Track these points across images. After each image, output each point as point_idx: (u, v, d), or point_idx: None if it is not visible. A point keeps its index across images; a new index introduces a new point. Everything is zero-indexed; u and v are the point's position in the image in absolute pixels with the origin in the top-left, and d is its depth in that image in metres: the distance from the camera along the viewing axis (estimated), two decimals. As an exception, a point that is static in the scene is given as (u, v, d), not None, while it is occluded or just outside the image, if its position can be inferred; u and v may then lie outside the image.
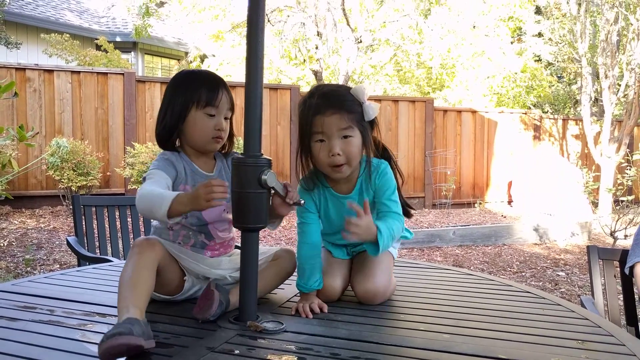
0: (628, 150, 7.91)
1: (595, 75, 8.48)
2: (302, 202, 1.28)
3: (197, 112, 1.33)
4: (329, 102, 1.31)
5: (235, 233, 1.42)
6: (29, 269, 3.92)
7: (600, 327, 1.20)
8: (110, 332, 0.97)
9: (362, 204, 1.34)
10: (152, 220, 1.41)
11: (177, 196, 1.14)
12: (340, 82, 9.69)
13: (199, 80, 1.36)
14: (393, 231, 1.32)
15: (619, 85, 7.85)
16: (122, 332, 0.98)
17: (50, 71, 6.09)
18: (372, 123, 1.37)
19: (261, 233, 1.24)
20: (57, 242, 4.62)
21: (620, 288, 1.80)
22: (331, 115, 1.29)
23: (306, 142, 1.33)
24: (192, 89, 1.33)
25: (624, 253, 1.76)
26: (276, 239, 5.34)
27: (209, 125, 1.33)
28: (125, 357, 0.98)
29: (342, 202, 1.39)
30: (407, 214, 1.47)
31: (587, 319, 1.25)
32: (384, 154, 1.46)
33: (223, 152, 1.44)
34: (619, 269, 1.79)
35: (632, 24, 7.38)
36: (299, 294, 1.38)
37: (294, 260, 1.42)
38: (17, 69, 5.92)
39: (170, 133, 1.35)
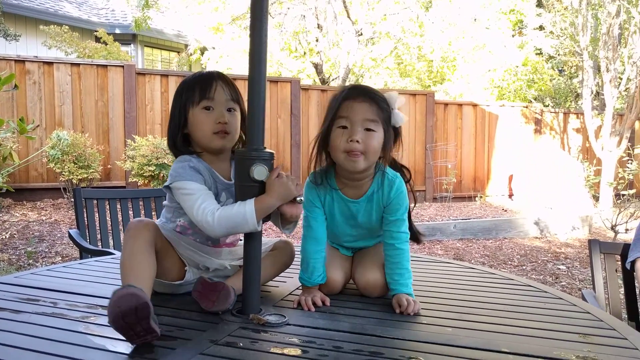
0: (629, 144, 7.90)
1: (597, 69, 8.45)
2: (300, 198, 1.22)
3: (194, 110, 1.30)
4: (362, 92, 1.29)
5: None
6: (30, 261, 3.93)
7: (602, 320, 1.20)
8: (118, 289, 1.01)
9: (369, 212, 1.36)
10: (160, 220, 1.40)
11: (257, 206, 1.17)
12: (341, 75, 9.66)
13: (193, 80, 1.33)
14: (409, 271, 1.33)
15: (621, 79, 7.83)
16: (132, 285, 1.02)
17: (49, 63, 6.07)
18: (397, 134, 1.34)
19: (262, 226, 1.24)
20: (58, 235, 4.62)
21: (621, 282, 1.81)
22: (361, 102, 1.27)
23: (327, 127, 1.29)
24: (187, 90, 1.31)
25: (626, 247, 1.76)
26: (277, 232, 5.34)
27: (209, 120, 1.29)
28: (132, 315, 0.98)
29: (348, 206, 1.37)
30: (417, 240, 1.47)
31: (589, 313, 1.26)
32: (401, 172, 1.40)
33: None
34: (620, 263, 1.80)
35: (634, 17, 7.35)
36: (301, 287, 1.38)
37: (292, 251, 1.43)
38: (16, 61, 5.90)
39: (182, 132, 1.33)
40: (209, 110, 1.29)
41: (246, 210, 1.16)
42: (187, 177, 1.25)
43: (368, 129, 1.26)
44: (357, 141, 1.24)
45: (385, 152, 1.31)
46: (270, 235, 5.21)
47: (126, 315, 0.98)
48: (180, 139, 1.33)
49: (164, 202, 1.39)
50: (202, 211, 1.20)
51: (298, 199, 1.21)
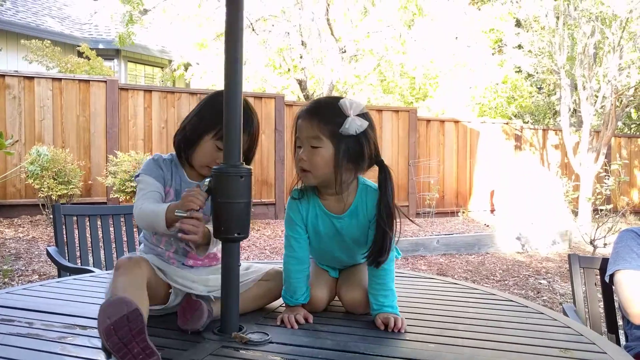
0: (606, 160, 8.09)
1: (574, 87, 8.68)
2: (178, 213, 1.17)
3: (210, 140, 1.35)
4: (308, 108, 1.31)
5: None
6: (6, 280, 3.82)
7: (582, 335, 1.21)
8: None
9: (354, 227, 1.33)
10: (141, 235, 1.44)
11: (167, 207, 1.21)
12: (325, 92, 9.75)
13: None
14: (394, 293, 1.32)
15: (597, 97, 8.04)
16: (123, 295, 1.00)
17: (30, 78, 6.00)
18: (360, 142, 1.27)
19: (244, 242, 1.23)
20: (36, 252, 4.52)
21: (600, 296, 1.83)
22: (304, 120, 1.29)
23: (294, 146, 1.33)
24: (218, 117, 1.24)
25: (604, 261, 1.78)
26: (260, 248, 5.30)
27: (213, 156, 1.34)
28: (125, 327, 0.95)
29: (332, 222, 1.35)
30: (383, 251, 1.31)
31: (569, 327, 1.27)
32: (381, 174, 1.31)
33: None
34: (599, 277, 1.82)
35: (607, 38, 7.59)
36: (284, 304, 1.37)
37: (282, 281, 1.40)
38: (-4, 75, 5.82)
39: (187, 145, 1.37)
40: (218, 149, 1.34)
41: (159, 210, 1.21)
42: (146, 172, 1.34)
43: (313, 146, 1.27)
44: (303, 159, 1.28)
45: (336, 165, 1.25)
46: (253, 252, 5.17)
47: (118, 328, 0.93)
48: (183, 141, 1.38)
49: None
50: (136, 204, 1.28)
51: (176, 212, 1.17)
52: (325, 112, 1.28)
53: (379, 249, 1.27)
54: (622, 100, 8.07)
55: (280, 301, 1.40)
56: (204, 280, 1.33)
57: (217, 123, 1.30)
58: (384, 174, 1.31)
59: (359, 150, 1.28)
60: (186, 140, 1.37)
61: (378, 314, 1.28)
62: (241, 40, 1.20)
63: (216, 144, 1.34)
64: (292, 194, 1.37)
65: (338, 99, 1.30)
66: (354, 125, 1.25)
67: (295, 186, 1.37)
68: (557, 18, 8.05)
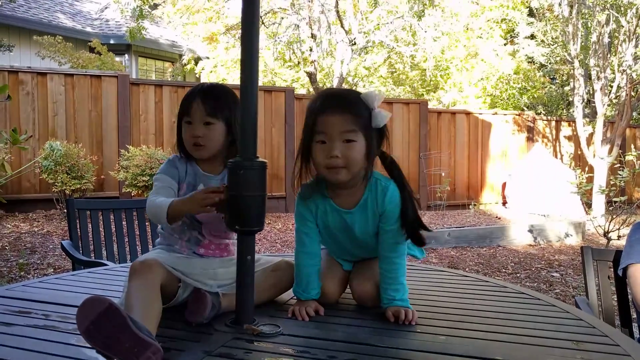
0: (620, 151, 7.97)
1: (588, 77, 8.55)
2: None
3: (183, 122, 1.43)
4: (336, 102, 1.26)
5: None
6: (22, 273, 3.89)
7: (595, 327, 1.20)
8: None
9: (365, 222, 1.32)
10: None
11: (170, 203, 1.25)
12: (335, 84, 9.72)
13: (185, 94, 1.46)
14: (405, 287, 1.31)
15: (611, 87, 7.92)
16: (94, 295, 0.98)
17: (43, 74, 6.06)
18: (382, 133, 1.29)
19: (256, 235, 1.24)
20: (51, 246, 4.59)
21: (614, 289, 1.81)
22: (335, 115, 1.23)
23: (307, 143, 1.27)
24: (182, 103, 1.44)
25: (618, 254, 1.77)
26: (271, 242, 5.33)
27: (188, 133, 1.41)
28: (106, 323, 0.93)
29: (342, 217, 1.33)
30: (421, 242, 1.32)
31: (582, 320, 1.26)
32: (393, 171, 1.33)
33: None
34: (612, 269, 1.80)
35: (623, 26, 7.45)
36: (295, 297, 1.38)
37: (293, 273, 1.40)
38: (9, 71, 5.89)
39: (179, 140, 1.46)
40: (189, 124, 1.41)
41: (163, 205, 1.26)
42: (162, 171, 1.42)
43: (347, 140, 1.23)
44: (337, 156, 1.22)
45: (369, 158, 1.26)
46: (264, 245, 5.20)
47: (100, 326, 0.92)
48: (178, 140, 1.47)
49: None
50: (148, 197, 1.36)
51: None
52: (356, 106, 1.26)
53: (415, 226, 1.29)
54: (637, 90, 7.94)
55: (291, 293, 1.41)
56: (212, 274, 1.33)
57: (182, 106, 1.42)
58: (394, 166, 1.34)
59: (382, 142, 1.30)
60: (178, 138, 1.45)
61: (388, 306, 1.28)
62: (257, 36, 1.20)
63: (185, 122, 1.41)
64: (300, 191, 1.35)
65: (353, 92, 1.30)
66: (383, 118, 1.26)
67: (304, 183, 1.34)
68: (571, 7, 7.92)
